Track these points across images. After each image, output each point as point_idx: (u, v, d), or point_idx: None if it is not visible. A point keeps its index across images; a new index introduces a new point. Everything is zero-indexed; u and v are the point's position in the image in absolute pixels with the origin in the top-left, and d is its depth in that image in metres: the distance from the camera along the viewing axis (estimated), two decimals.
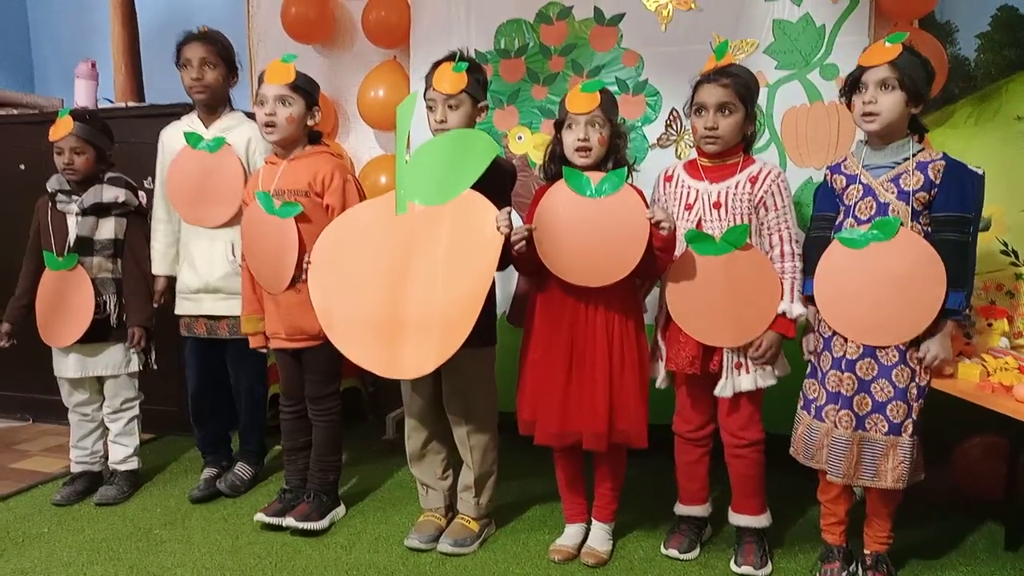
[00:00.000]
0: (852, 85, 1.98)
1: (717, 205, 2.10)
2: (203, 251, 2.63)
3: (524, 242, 2.05)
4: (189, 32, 2.63)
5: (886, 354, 1.93)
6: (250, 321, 2.46)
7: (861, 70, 1.96)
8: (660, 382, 2.21)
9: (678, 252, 2.10)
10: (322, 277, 2.19)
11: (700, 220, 2.11)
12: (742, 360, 2.09)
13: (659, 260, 2.07)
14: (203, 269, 2.61)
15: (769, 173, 2.10)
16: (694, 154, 2.21)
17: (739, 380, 2.09)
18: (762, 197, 2.07)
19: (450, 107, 2.19)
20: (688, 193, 2.15)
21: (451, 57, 2.22)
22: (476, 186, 2.09)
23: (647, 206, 2.11)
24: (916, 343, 1.92)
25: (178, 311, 2.69)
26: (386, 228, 2.16)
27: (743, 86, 2.08)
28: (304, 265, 2.23)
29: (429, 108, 2.23)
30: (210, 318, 2.64)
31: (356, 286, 2.15)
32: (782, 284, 2.06)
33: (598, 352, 2.11)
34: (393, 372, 2.13)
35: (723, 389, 2.11)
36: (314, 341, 2.33)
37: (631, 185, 2.12)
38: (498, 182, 2.18)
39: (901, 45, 1.91)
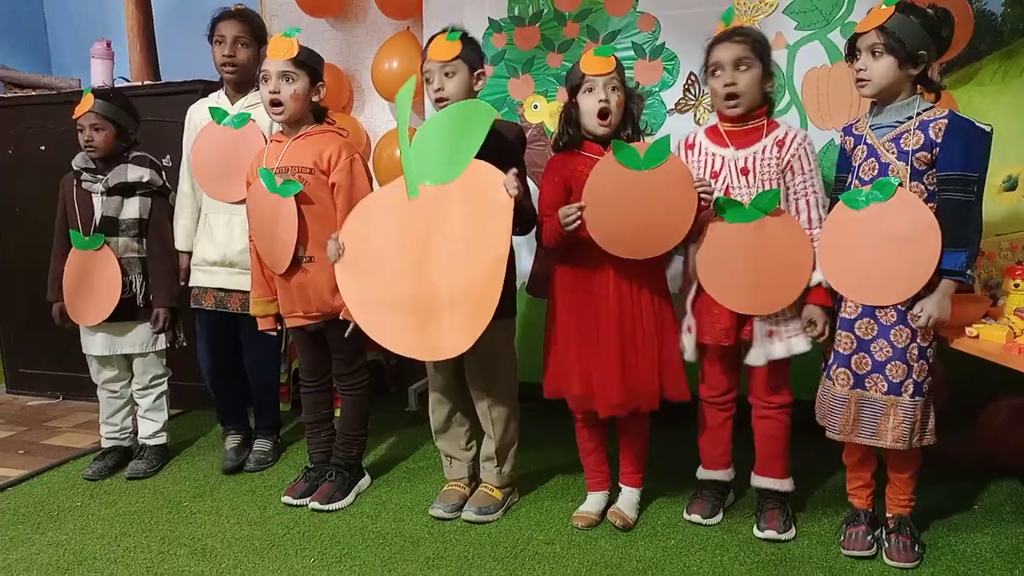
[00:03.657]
0: (849, 52, 1.97)
1: (745, 171, 2.07)
2: (223, 224, 2.64)
3: (578, 218, 2.02)
4: (226, 8, 2.65)
5: (885, 314, 1.92)
6: (259, 304, 2.46)
7: (855, 36, 1.94)
8: (689, 354, 2.19)
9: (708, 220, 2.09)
10: (347, 271, 2.18)
11: (728, 187, 2.08)
12: (774, 328, 2.07)
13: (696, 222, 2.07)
14: (222, 242, 2.63)
15: (796, 136, 2.07)
16: (714, 119, 2.18)
17: (771, 348, 2.07)
18: (789, 161, 2.04)
19: (446, 75, 2.18)
20: (713, 160, 2.12)
21: (444, 31, 2.22)
22: (481, 154, 2.07)
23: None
24: (913, 303, 1.90)
25: (191, 283, 2.71)
26: (401, 213, 2.15)
27: (757, 41, 2.06)
28: (336, 251, 2.18)
29: (426, 80, 2.22)
30: (221, 291, 2.65)
31: (382, 276, 2.15)
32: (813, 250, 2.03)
33: (612, 321, 2.10)
34: (432, 355, 2.15)
35: (756, 358, 2.09)
36: (330, 316, 2.34)
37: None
38: (503, 147, 2.16)
39: (893, 8, 1.88)
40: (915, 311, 1.90)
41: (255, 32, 2.65)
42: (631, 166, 2.03)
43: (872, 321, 1.93)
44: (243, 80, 2.64)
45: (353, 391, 2.50)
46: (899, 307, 1.91)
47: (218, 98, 2.69)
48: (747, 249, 2.05)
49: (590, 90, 2.08)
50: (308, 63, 2.32)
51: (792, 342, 2.07)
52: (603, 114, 2.07)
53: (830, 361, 2.01)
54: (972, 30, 2.57)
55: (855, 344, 1.95)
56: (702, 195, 1.99)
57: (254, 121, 2.55)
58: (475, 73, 2.23)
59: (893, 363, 1.91)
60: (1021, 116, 2.67)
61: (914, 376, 1.91)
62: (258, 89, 2.56)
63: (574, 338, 2.16)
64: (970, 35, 2.54)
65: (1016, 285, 2.05)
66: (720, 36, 2.08)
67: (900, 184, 1.89)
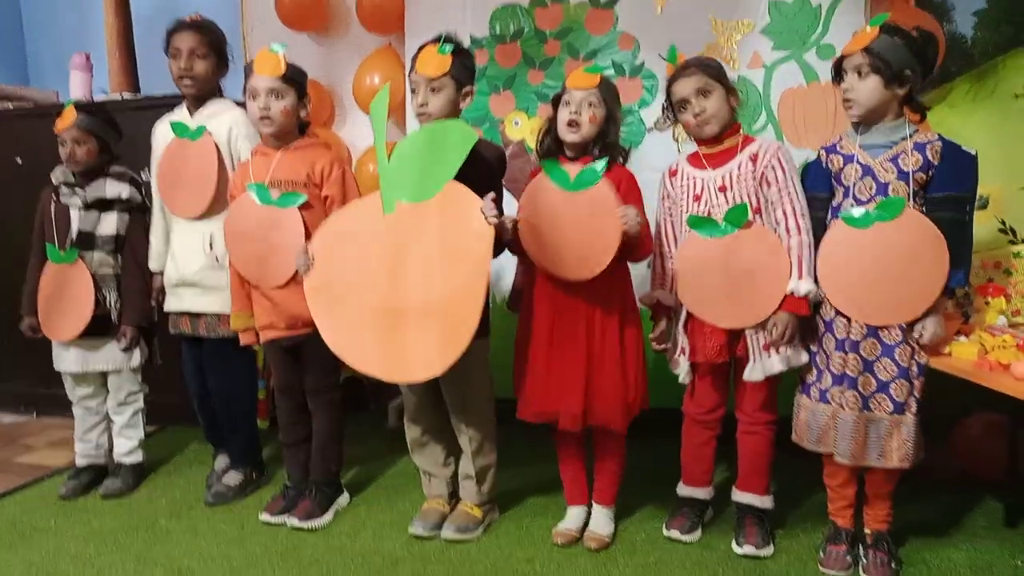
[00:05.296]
0: (836, 73, 2.01)
1: (723, 188, 2.10)
2: (181, 243, 2.57)
3: (512, 227, 2.07)
4: (180, 20, 2.56)
5: (888, 333, 1.94)
6: (240, 318, 2.42)
7: (841, 57, 1.99)
8: (683, 376, 2.21)
9: (684, 238, 2.13)
10: (316, 285, 2.16)
11: (709, 208, 2.11)
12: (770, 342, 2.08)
13: (638, 249, 2.10)
14: (181, 261, 2.56)
15: (768, 148, 2.10)
16: (694, 146, 2.20)
17: (769, 363, 2.07)
18: (763, 172, 2.07)
19: (432, 90, 2.16)
20: (694, 183, 2.15)
21: (437, 39, 2.20)
22: (460, 176, 2.05)
23: (637, 193, 2.12)
24: (913, 322, 1.93)
25: (166, 308, 2.65)
26: (375, 228, 2.13)
27: (709, 67, 2.11)
28: (304, 264, 2.18)
29: (412, 91, 2.20)
30: (191, 315, 2.58)
31: (351, 292, 2.12)
32: (790, 259, 2.04)
33: (577, 336, 2.12)
34: (401, 376, 2.14)
35: (752, 373, 2.09)
36: (314, 328, 2.29)
37: (620, 168, 2.13)
38: (482, 170, 2.14)
39: (878, 29, 1.92)
40: (915, 331, 1.92)
41: (212, 43, 2.54)
42: (561, 186, 2.07)
43: (875, 341, 1.95)
44: (201, 93, 2.56)
45: (326, 406, 2.48)
46: (901, 325, 1.93)
47: (181, 112, 2.61)
48: (724, 264, 2.07)
49: (567, 103, 2.11)
50: (295, 79, 2.32)
51: (790, 355, 2.07)
52: (571, 124, 2.10)
53: (827, 385, 2.00)
54: (944, 52, 2.63)
55: (862, 365, 1.96)
56: (627, 224, 1.99)
57: (209, 133, 2.50)
58: (463, 91, 2.21)
59: (897, 382, 1.93)
60: (991, 135, 2.72)
61: (915, 393, 1.94)
62: (220, 99, 2.57)
63: (542, 353, 2.17)
64: (942, 57, 2.59)
65: (987, 303, 2.09)
66: (675, 75, 2.14)
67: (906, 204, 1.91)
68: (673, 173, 2.21)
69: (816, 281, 2.02)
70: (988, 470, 2.45)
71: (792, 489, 2.43)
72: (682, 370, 2.21)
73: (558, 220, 2.08)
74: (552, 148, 2.17)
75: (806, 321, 2.05)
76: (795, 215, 2.05)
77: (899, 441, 1.94)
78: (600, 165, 2.06)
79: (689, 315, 2.16)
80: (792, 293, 2.02)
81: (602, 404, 2.13)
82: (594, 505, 2.32)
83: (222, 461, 2.76)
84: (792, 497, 2.43)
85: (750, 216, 2.05)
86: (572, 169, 2.09)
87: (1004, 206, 2.70)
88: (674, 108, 2.15)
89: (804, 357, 2.08)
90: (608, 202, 2.03)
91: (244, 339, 2.46)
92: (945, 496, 2.43)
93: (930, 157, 1.91)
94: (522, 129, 2.98)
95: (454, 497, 2.45)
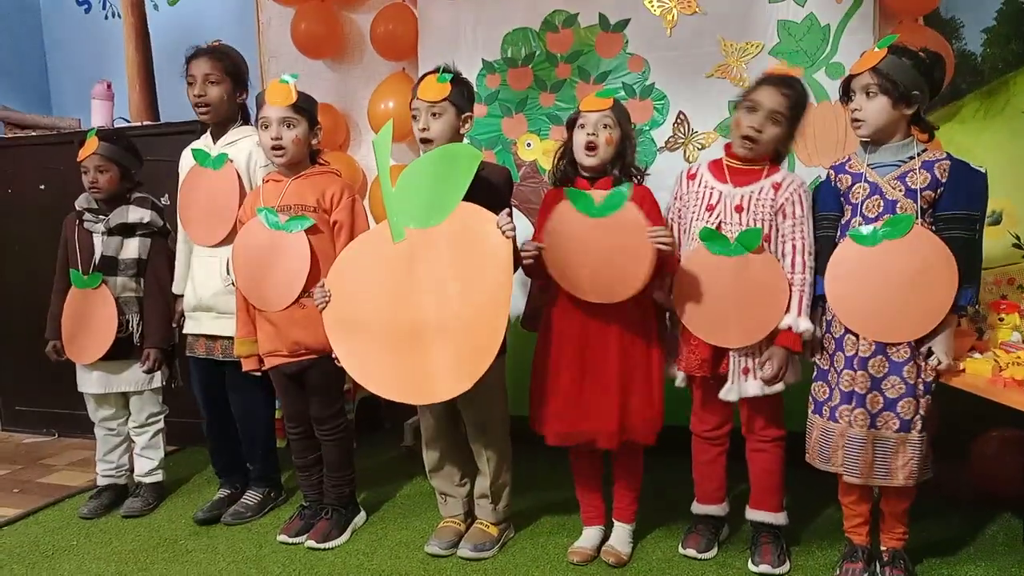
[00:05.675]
0: (844, 93, 2.03)
1: (739, 208, 2.11)
2: (200, 268, 2.58)
3: (535, 256, 2.09)
4: (197, 47, 2.60)
5: (896, 351, 1.94)
6: (244, 344, 2.44)
7: (849, 77, 2.01)
8: (679, 382, 2.23)
9: (692, 248, 2.14)
10: (334, 318, 2.17)
11: (721, 222, 2.12)
12: (749, 365, 2.10)
13: (667, 266, 2.11)
14: (199, 286, 2.57)
15: (793, 182, 2.11)
16: (718, 152, 2.22)
17: (745, 386, 2.10)
18: (783, 204, 2.08)
19: (433, 115, 2.20)
20: (711, 194, 2.15)
21: (436, 70, 2.26)
22: (468, 197, 2.08)
23: (658, 211, 2.14)
24: (922, 340, 1.94)
25: (184, 330, 2.67)
26: (387, 256, 2.14)
27: (798, 100, 2.09)
28: (323, 298, 2.19)
29: (413, 117, 2.24)
30: (208, 338, 2.59)
31: (369, 322, 2.13)
32: (791, 293, 2.06)
33: (609, 355, 2.13)
34: (427, 398, 2.14)
35: (728, 393, 2.12)
36: (316, 354, 2.32)
37: (640, 187, 2.15)
38: (490, 192, 2.17)
39: (886, 50, 1.94)
40: (923, 350, 1.93)
41: (228, 68, 2.55)
42: (586, 212, 2.09)
43: (884, 358, 1.95)
44: (218, 118, 2.58)
45: (333, 436, 2.48)
46: (909, 343, 1.93)
47: (205, 139, 2.64)
48: (726, 283, 2.08)
49: (582, 126, 2.14)
50: (306, 108, 2.36)
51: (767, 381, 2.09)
52: (589, 147, 2.12)
53: (836, 403, 2.01)
54: (954, 70, 2.64)
55: (870, 383, 1.96)
56: (660, 244, 2.00)
57: (231, 161, 2.53)
58: (462, 116, 2.25)
59: (905, 400, 1.93)
60: (1003, 152, 2.74)
61: (921, 412, 1.94)
62: (241, 125, 2.60)
63: (571, 375, 2.17)
64: (951, 74, 2.60)
65: (1001, 319, 2.09)
66: (773, 79, 2.11)
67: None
68: (692, 176, 2.21)
69: (825, 298, 2.03)
70: (1006, 487, 2.43)
71: (808, 506, 2.43)
72: (677, 376, 2.22)
73: (587, 246, 2.08)
74: (569, 172, 2.19)
75: (808, 347, 2.08)
76: (803, 252, 2.07)
77: (904, 459, 1.94)
78: (626, 188, 2.08)
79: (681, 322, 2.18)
80: (790, 328, 2.04)
81: (636, 420, 2.14)
82: (615, 523, 2.33)
83: (223, 492, 2.76)
84: (808, 514, 2.42)
85: (763, 243, 2.07)
86: (596, 195, 2.10)
87: (1017, 221, 2.71)
88: (743, 101, 2.10)
89: (780, 386, 2.09)
90: (638, 224, 2.04)
91: (247, 365, 2.47)
92: (963, 513, 2.42)
93: (938, 175, 1.93)
94: (534, 150, 3.02)
95: (470, 516, 2.46)
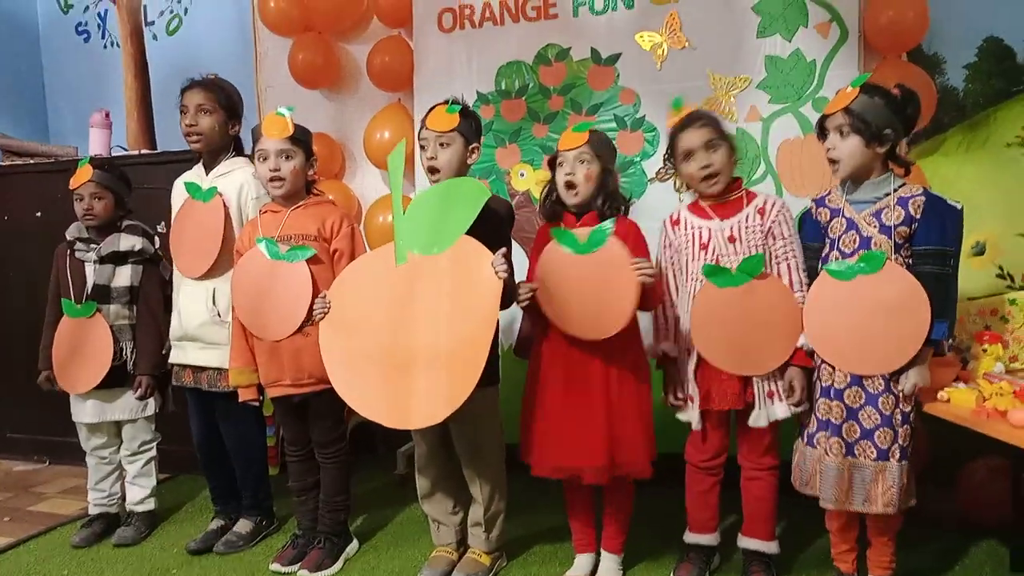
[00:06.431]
0: (820, 132, 2.08)
1: (732, 239, 2.14)
2: (186, 298, 2.59)
3: (530, 297, 2.12)
4: (192, 79, 2.64)
5: (872, 382, 1.98)
6: (243, 374, 2.43)
7: (824, 117, 2.06)
8: (696, 424, 2.21)
9: (697, 288, 2.16)
10: (331, 330, 2.21)
11: (718, 256, 2.15)
12: (774, 388, 2.12)
13: (652, 298, 2.14)
14: (185, 316, 2.58)
15: (775, 204, 2.16)
16: (694, 196, 2.25)
17: (773, 409, 2.11)
18: (771, 227, 2.13)
19: (441, 145, 2.24)
20: (700, 233, 2.19)
21: (446, 101, 2.30)
22: (472, 230, 2.12)
23: (644, 244, 2.17)
24: (897, 372, 1.97)
25: (170, 359, 2.67)
26: (388, 279, 2.18)
27: (717, 122, 2.17)
28: (322, 308, 2.22)
29: (422, 147, 2.29)
30: (194, 368, 2.60)
31: (363, 339, 2.17)
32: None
33: (594, 390, 2.15)
34: (402, 422, 2.15)
35: (758, 419, 2.12)
36: (322, 384, 2.31)
37: (625, 221, 2.18)
38: (493, 224, 2.20)
39: (858, 89, 1.99)
40: (900, 382, 1.96)
41: (221, 99, 2.59)
42: (573, 250, 2.12)
43: (860, 389, 1.99)
44: (210, 148, 2.60)
45: (334, 459, 2.50)
46: (884, 375, 1.97)
47: (197, 170, 2.66)
48: (738, 313, 2.11)
49: (561, 164, 2.19)
50: (303, 139, 2.40)
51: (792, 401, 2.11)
52: (568, 185, 2.17)
53: (813, 430, 2.05)
54: (936, 104, 2.70)
55: (845, 412, 2.00)
56: (643, 274, 2.03)
57: (220, 195, 2.55)
58: (470, 147, 2.29)
59: (881, 429, 1.96)
60: (986, 184, 2.80)
61: (899, 441, 1.97)
62: (233, 156, 2.62)
63: (556, 408, 2.19)
64: (934, 109, 2.67)
65: (985, 349, 2.13)
66: (683, 123, 2.18)
67: (888, 257, 1.96)
68: (676, 223, 2.26)
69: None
70: (993, 514, 2.45)
71: (799, 533, 2.44)
72: (692, 418, 2.21)
73: (574, 283, 2.11)
74: (556, 208, 2.24)
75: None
76: (798, 270, 2.12)
77: (884, 487, 1.96)
78: (608, 224, 2.11)
79: (700, 362, 2.18)
80: (801, 348, 2.07)
81: (627, 454, 2.15)
82: (603, 553, 2.34)
83: (217, 523, 2.75)
84: (799, 541, 2.44)
85: (764, 267, 2.10)
86: (581, 232, 2.13)
87: (1001, 252, 2.76)
88: (677, 157, 2.19)
89: (805, 405, 2.11)
90: (622, 259, 2.07)
91: (244, 395, 2.47)
92: (951, 540, 2.44)
93: (911, 212, 1.97)
94: (527, 180, 3.07)
95: (463, 545, 2.46)
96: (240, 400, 2.48)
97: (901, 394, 1.97)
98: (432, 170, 2.26)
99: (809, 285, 2.08)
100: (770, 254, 2.13)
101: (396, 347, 2.14)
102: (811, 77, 2.74)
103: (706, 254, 2.17)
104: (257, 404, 2.51)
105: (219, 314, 2.53)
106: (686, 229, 2.22)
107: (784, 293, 2.10)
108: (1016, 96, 2.83)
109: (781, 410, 2.11)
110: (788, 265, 2.12)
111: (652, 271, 2.06)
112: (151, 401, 2.74)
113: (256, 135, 2.40)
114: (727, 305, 2.11)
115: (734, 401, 2.14)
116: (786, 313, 2.09)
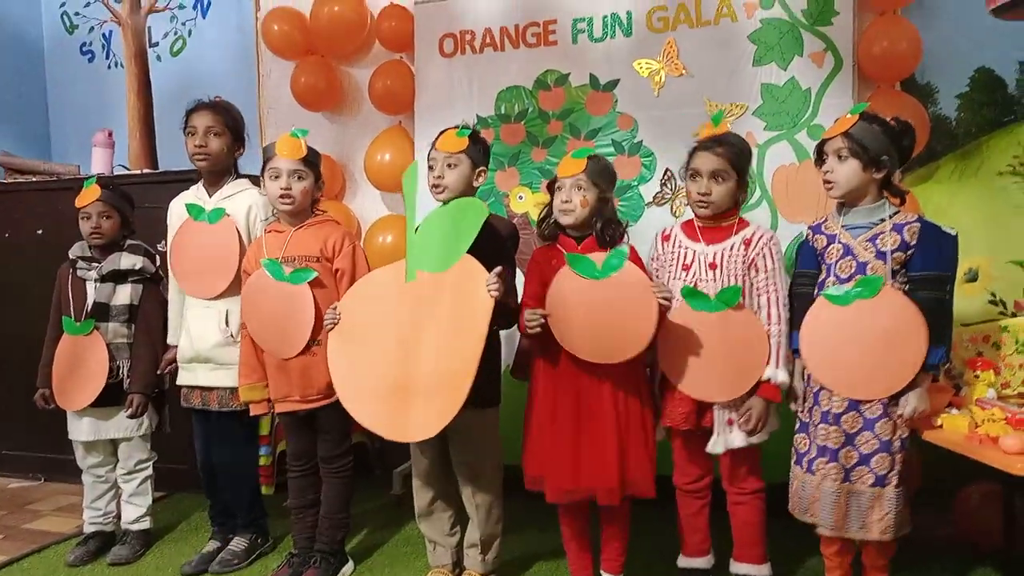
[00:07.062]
0: (818, 156, 2.11)
1: (713, 266, 2.17)
2: (197, 319, 2.60)
3: (539, 326, 2.12)
4: (199, 100, 2.67)
5: (869, 407, 2.00)
6: (254, 389, 2.47)
7: (823, 141, 2.09)
8: (660, 435, 2.25)
9: (675, 306, 2.16)
10: (339, 341, 2.25)
11: (696, 280, 2.18)
12: (733, 417, 2.14)
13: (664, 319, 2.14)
14: (196, 338, 2.59)
15: (763, 236, 2.17)
16: (691, 214, 2.29)
17: (730, 437, 2.14)
18: (754, 259, 2.15)
19: (449, 165, 2.28)
20: (685, 254, 2.22)
21: (456, 126, 2.35)
22: (473, 249, 2.16)
23: (644, 267, 2.19)
24: (896, 397, 1.99)
25: (178, 381, 2.68)
26: (397, 295, 2.23)
27: (736, 154, 2.16)
28: (332, 321, 2.26)
29: (430, 167, 2.33)
30: (203, 389, 2.61)
31: (369, 352, 2.21)
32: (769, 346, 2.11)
33: (605, 410, 2.15)
34: (398, 435, 2.19)
35: (714, 446, 2.15)
36: (328, 399, 2.36)
37: (631, 247, 2.20)
38: (494, 243, 2.24)
39: (858, 116, 2.03)
40: (899, 406, 1.98)
41: (227, 122, 2.62)
42: (588, 276, 2.12)
43: (857, 415, 2.00)
44: (216, 169, 2.63)
45: (339, 473, 2.52)
46: (882, 401, 1.99)
47: (197, 191, 2.68)
48: (708, 338, 2.13)
49: (559, 188, 2.22)
50: (314, 162, 2.45)
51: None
52: (564, 211, 2.20)
53: (813, 456, 2.05)
54: (929, 133, 2.75)
55: (843, 438, 2.01)
56: (661, 300, 2.05)
57: (228, 216, 2.58)
58: (477, 170, 2.33)
59: (879, 455, 1.98)
60: (978, 211, 2.84)
61: (897, 467, 1.98)
62: (236, 179, 2.66)
63: (567, 433, 2.18)
64: (927, 137, 2.71)
65: (977, 376, 2.15)
66: (704, 143, 2.18)
67: (884, 282, 1.99)
68: (666, 238, 2.29)
69: (799, 353, 2.09)
70: (987, 538, 2.46)
71: (793, 556, 2.45)
72: (659, 432, 2.24)
73: (590, 308, 2.10)
74: (554, 231, 2.27)
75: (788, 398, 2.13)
76: (777, 304, 2.13)
77: (880, 514, 1.97)
78: (624, 249, 2.12)
79: (664, 377, 2.21)
80: (769, 380, 2.09)
81: (636, 475, 2.16)
82: (603, 575, 2.34)
83: (212, 544, 2.74)
84: (792, 565, 2.44)
85: (741, 299, 2.13)
86: (597, 257, 2.12)
87: (993, 279, 2.80)
88: (687, 170, 2.20)
89: (765, 435, 2.14)
90: (642, 282, 2.08)
91: (255, 410, 2.50)
92: (946, 564, 2.44)
93: (907, 238, 2.00)
94: (526, 203, 3.10)
95: (458, 566, 2.47)
96: (252, 414, 2.51)
97: (900, 419, 1.98)
98: (438, 188, 2.30)
99: (802, 313, 2.10)
100: (751, 286, 2.15)
101: (399, 360, 2.17)
102: (806, 105, 2.79)
103: (687, 275, 2.19)
104: (258, 419, 2.53)
105: (232, 335, 2.54)
106: (673, 247, 2.25)
107: (757, 327, 2.12)
108: (1007, 126, 2.87)
109: (738, 439, 2.13)
110: (768, 299, 2.14)
111: (668, 294, 2.08)
112: (147, 420, 2.75)
113: (269, 154, 2.44)
114: (698, 330, 2.14)
115: (683, 420, 2.16)
116: (755, 347, 2.11)
